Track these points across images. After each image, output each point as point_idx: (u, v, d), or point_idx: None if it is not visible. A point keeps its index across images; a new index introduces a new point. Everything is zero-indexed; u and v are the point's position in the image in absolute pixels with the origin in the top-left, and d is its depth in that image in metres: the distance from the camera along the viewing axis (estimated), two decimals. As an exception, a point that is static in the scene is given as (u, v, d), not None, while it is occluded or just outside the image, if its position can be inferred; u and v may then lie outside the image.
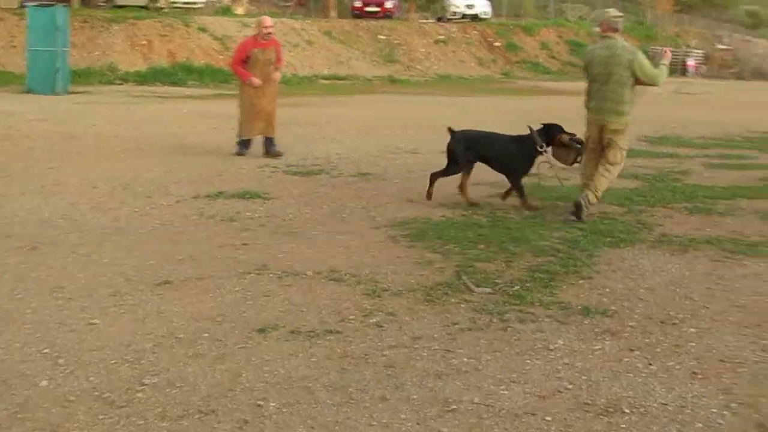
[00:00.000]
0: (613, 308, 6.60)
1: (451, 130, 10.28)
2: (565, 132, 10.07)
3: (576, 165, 10.15)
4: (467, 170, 10.29)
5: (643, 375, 5.34)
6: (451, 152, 10.26)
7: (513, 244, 8.35)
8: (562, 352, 5.67)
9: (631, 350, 5.75)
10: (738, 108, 26.39)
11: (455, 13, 46.37)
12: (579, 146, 9.92)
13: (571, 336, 5.98)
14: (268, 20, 13.54)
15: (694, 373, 5.40)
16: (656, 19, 58.18)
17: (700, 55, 51.29)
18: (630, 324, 6.26)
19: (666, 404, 4.93)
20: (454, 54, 40.35)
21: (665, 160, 14.36)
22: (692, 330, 6.18)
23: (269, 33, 13.33)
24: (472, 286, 6.98)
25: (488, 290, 6.92)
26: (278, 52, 13.61)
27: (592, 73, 9.69)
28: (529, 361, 5.51)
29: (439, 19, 47.17)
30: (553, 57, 45.20)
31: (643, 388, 5.13)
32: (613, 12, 9.96)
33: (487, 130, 10.97)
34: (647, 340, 5.94)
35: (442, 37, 41.04)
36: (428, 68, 37.69)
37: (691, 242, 8.69)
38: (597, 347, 5.79)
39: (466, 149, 10.13)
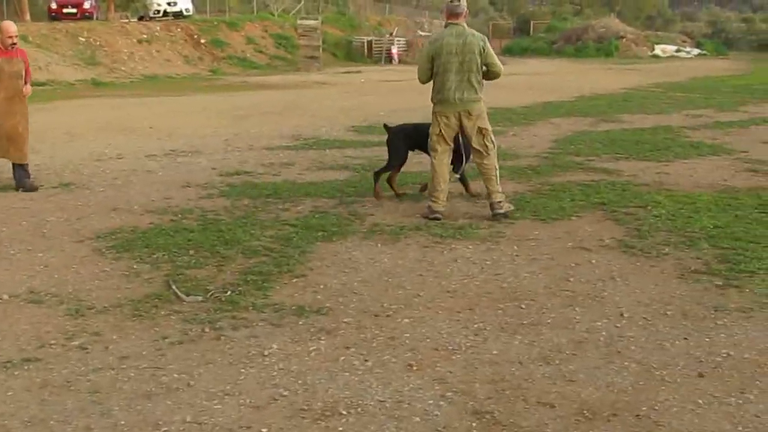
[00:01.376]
0: (328, 305, 6.51)
1: (386, 126, 10.64)
2: None
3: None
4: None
5: (360, 372, 5.26)
6: (390, 147, 10.53)
7: (224, 247, 8.12)
8: (277, 357, 5.51)
9: (347, 348, 5.67)
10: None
11: (157, 11, 45.61)
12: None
13: (286, 339, 5.83)
14: (11, 27, 11.34)
15: (409, 365, 5.38)
16: (358, 9, 59.42)
17: (403, 42, 52.71)
18: (345, 320, 6.18)
19: (383, 401, 4.86)
20: (159, 53, 39.52)
21: (373, 149, 14.46)
22: (406, 320, 6.18)
23: (14, 43, 11.22)
24: (183, 296, 6.70)
25: (200, 298, 6.66)
26: (26, 63, 11.45)
27: (443, 63, 9.22)
28: (243, 370, 5.31)
29: (141, 18, 46.20)
30: (260, 51, 45.25)
31: (359, 387, 5.05)
32: None
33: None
34: (363, 336, 5.89)
35: (146, 36, 40.10)
36: (133, 69, 36.67)
37: (402, 230, 8.76)
38: (312, 348, 5.67)
39: (405, 142, 10.45)
